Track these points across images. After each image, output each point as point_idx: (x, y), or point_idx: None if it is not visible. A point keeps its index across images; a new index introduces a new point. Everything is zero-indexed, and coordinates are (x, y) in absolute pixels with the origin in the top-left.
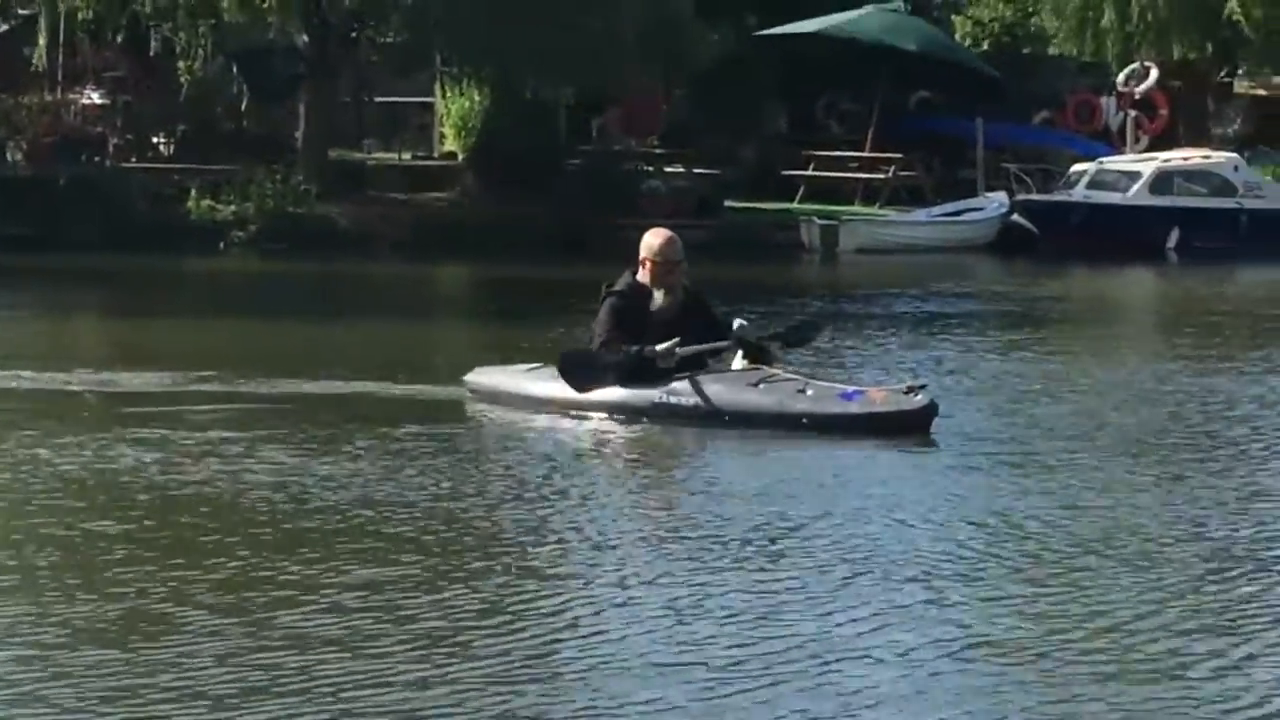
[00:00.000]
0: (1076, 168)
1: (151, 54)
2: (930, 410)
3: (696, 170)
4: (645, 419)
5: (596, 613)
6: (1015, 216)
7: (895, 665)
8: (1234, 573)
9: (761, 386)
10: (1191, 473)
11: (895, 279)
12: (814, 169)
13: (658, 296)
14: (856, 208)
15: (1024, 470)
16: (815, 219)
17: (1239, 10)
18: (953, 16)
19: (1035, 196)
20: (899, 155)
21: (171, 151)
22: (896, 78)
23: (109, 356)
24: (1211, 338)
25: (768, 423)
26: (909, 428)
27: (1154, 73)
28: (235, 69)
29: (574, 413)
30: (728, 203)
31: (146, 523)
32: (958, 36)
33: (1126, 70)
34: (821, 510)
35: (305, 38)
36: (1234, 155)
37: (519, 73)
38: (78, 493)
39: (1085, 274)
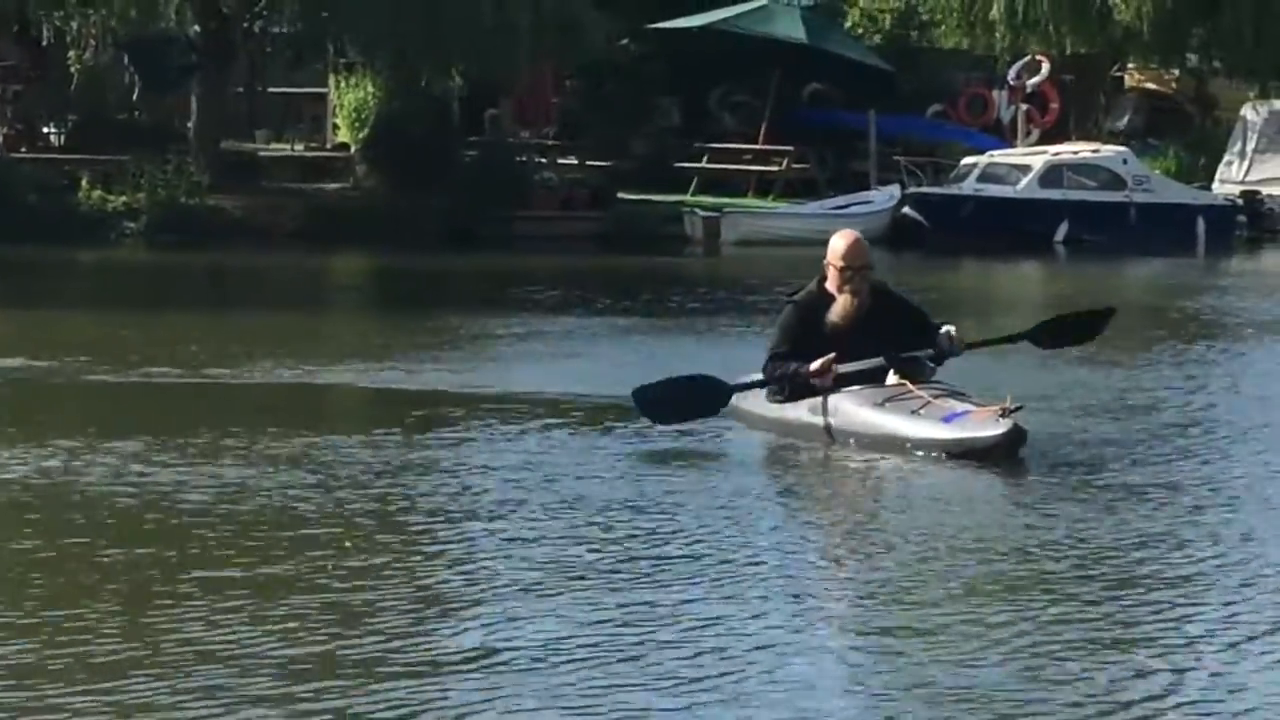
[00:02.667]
0: (966, 161)
1: (42, 43)
2: (1011, 437)
3: (590, 162)
4: (798, 439)
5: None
6: (905, 209)
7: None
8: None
9: (886, 406)
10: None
11: (771, 271)
12: (707, 161)
13: (839, 303)
14: (747, 200)
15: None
16: (698, 211)
17: (1121, 4)
18: (845, 8)
19: (925, 189)
20: (792, 148)
21: (62, 142)
22: (789, 70)
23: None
24: None
25: (882, 445)
26: (992, 453)
27: (1045, 66)
28: (126, 59)
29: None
30: (620, 194)
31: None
32: (849, 28)
33: (1018, 64)
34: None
35: (197, 27)
36: (1123, 149)
37: (413, 63)
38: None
39: (973, 267)
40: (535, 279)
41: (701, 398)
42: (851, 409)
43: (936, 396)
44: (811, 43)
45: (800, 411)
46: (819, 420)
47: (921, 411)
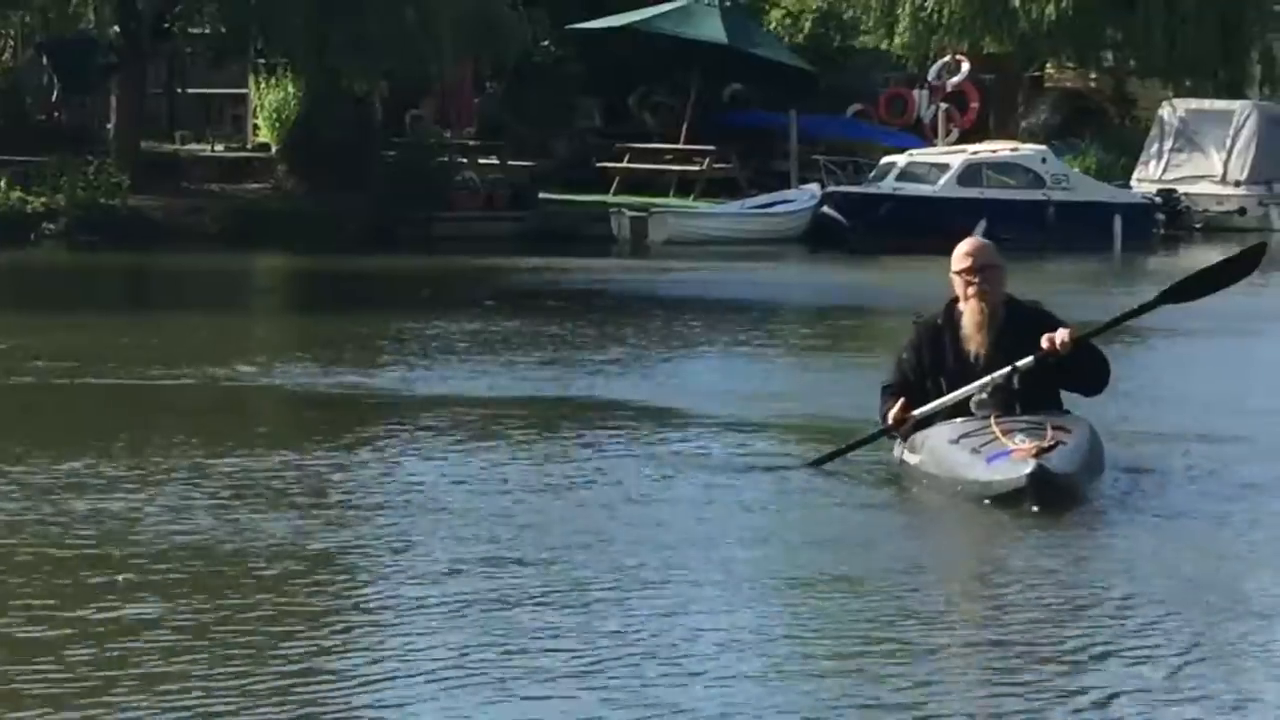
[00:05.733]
0: (886, 160)
1: None
2: (1031, 480)
3: (511, 162)
4: (906, 480)
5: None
6: (825, 208)
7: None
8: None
9: (960, 442)
10: None
11: (698, 270)
12: (628, 161)
13: (966, 312)
14: (670, 200)
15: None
16: (624, 210)
17: (1028, 5)
18: (766, 8)
19: (845, 188)
20: (713, 148)
21: None
22: (710, 71)
23: None
24: None
25: (945, 488)
26: (1020, 498)
27: (965, 66)
28: (45, 59)
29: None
30: (542, 195)
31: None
32: (771, 28)
33: (939, 64)
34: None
35: (116, 28)
36: (1042, 148)
37: (334, 63)
38: None
39: (892, 265)
40: (457, 280)
41: None
42: (932, 446)
43: (1006, 431)
44: (732, 43)
45: (901, 450)
46: (912, 458)
47: (981, 449)
